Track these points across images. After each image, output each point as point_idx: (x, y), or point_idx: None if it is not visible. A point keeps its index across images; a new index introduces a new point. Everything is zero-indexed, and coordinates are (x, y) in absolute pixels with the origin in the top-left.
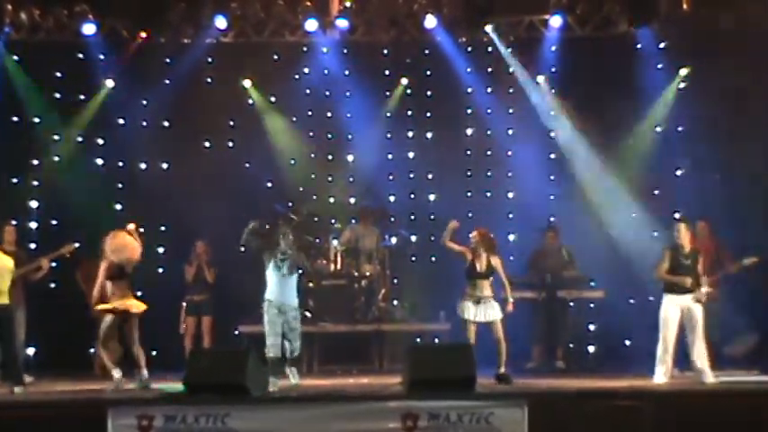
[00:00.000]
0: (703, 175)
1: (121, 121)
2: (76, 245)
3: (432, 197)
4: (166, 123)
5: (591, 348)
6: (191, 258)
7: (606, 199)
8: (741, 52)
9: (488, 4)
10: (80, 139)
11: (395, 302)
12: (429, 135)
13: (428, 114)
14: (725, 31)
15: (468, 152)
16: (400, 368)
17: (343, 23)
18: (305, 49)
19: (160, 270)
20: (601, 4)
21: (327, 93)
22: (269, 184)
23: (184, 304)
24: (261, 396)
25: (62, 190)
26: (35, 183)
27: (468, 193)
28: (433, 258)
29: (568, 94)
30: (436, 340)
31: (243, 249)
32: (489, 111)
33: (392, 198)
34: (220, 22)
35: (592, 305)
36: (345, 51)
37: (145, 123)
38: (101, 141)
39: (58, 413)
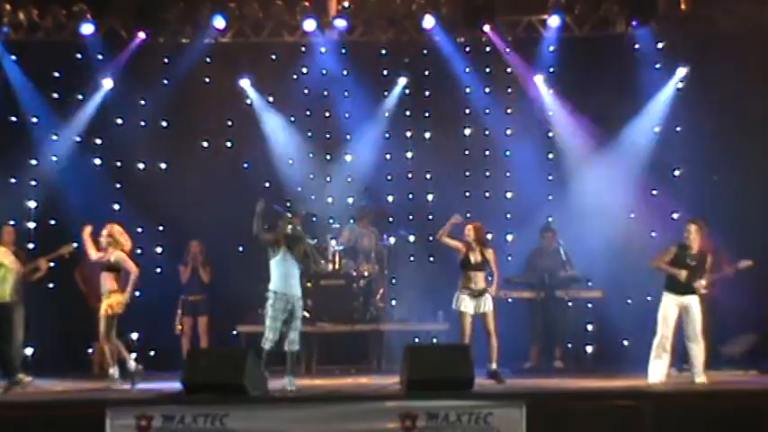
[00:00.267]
0: (701, 176)
1: (120, 121)
2: (75, 245)
3: (430, 197)
4: (165, 123)
5: (589, 348)
6: (185, 259)
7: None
8: (739, 52)
9: (487, 4)
10: (78, 139)
11: (393, 302)
12: (427, 135)
13: (426, 114)
14: (723, 31)
15: (467, 152)
16: (398, 368)
17: (341, 23)
18: (303, 49)
19: (158, 270)
20: (599, 4)
21: (326, 93)
22: (267, 184)
23: (180, 304)
24: (259, 396)
25: (60, 190)
26: (33, 183)
27: (467, 193)
28: (432, 258)
29: (567, 94)
30: (434, 340)
31: (256, 236)
32: (488, 111)
33: (390, 198)
34: (219, 23)
35: (590, 305)
36: (344, 51)
37: (143, 123)
38: (99, 141)
39: (56, 413)
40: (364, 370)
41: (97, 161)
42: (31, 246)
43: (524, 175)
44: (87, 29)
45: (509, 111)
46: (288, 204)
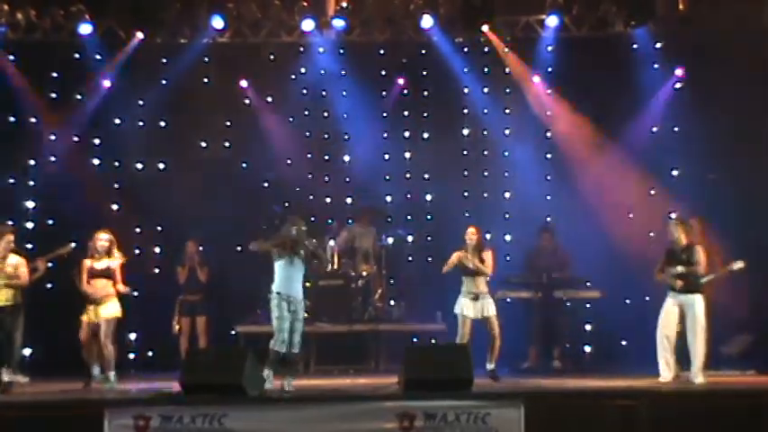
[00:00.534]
0: (699, 176)
1: (118, 121)
2: (73, 245)
3: (428, 197)
4: (163, 123)
5: (587, 348)
6: (182, 259)
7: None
8: (737, 52)
9: (485, 5)
10: (76, 138)
11: (392, 302)
12: (426, 135)
13: (425, 114)
14: (721, 31)
15: (465, 152)
16: (397, 368)
17: (339, 23)
18: (301, 49)
19: (156, 270)
20: (597, 4)
21: (324, 93)
22: (265, 184)
23: (177, 305)
24: (258, 396)
25: (59, 190)
26: (32, 183)
27: (465, 193)
28: (430, 258)
29: (565, 95)
30: (433, 340)
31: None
32: (486, 111)
33: (389, 198)
34: (217, 23)
35: (588, 305)
36: (342, 51)
37: (141, 123)
38: (97, 141)
39: (54, 413)
40: (362, 370)
41: (95, 161)
42: (29, 246)
43: (522, 175)
44: (85, 29)
45: (507, 111)
46: (286, 205)
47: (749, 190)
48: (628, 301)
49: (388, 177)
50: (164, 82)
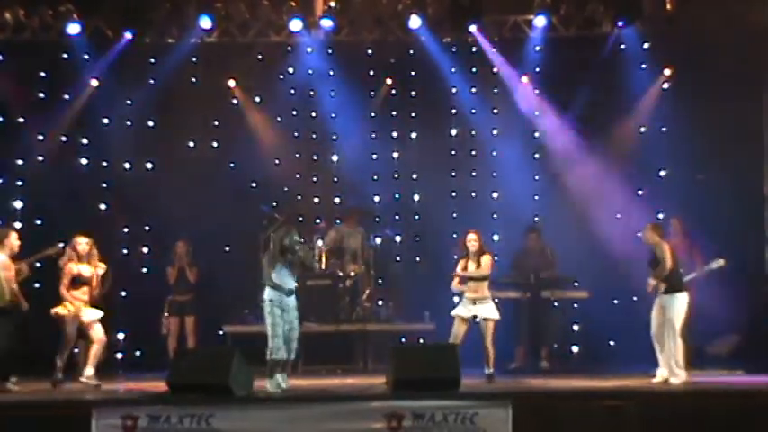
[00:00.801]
0: (687, 176)
1: (106, 121)
2: (61, 245)
3: (416, 197)
4: (151, 123)
5: (575, 348)
6: (172, 260)
7: (590, 199)
8: (725, 52)
9: (473, 5)
10: (64, 138)
11: (380, 302)
12: (413, 135)
13: (413, 114)
14: (709, 30)
15: (453, 152)
16: (385, 368)
17: (327, 23)
18: (289, 48)
19: (144, 270)
20: (585, 4)
21: (312, 93)
22: (253, 185)
23: (166, 305)
24: (245, 396)
25: (46, 190)
26: (19, 183)
27: (453, 194)
28: (418, 258)
29: (553, 94)
30: (421, 340)
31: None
32: (474, 111)
33: (377, 198)
34: (205, 23)
35: (576, 305)
36: (330, 51)
37: (129, 123)
38: (85, 141)
39: (42, 413)
40: (350, 370)
41: (83, 161)
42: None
43: (511, 176)
44: (73, 29)
45: (495, 111)
46: (274, 205)
47: (737, 190)
48: (615, 302)
49: (375, 177)
50: (152, 82)
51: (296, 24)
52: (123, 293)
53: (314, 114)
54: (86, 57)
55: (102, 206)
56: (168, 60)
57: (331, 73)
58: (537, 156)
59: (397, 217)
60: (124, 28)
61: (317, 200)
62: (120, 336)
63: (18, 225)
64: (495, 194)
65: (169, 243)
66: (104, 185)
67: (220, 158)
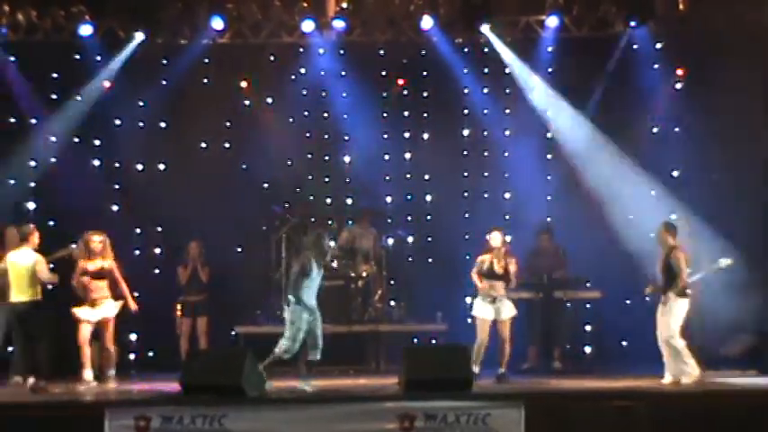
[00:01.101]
0: (699, 176)
1: (118, 122)
2: (74, 247)
3: (428, 198)
4: (163, 124)
5: (587, 349)
6: (184, 260)
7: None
8: (737, 52)
9: (485, 5)
10: (77, 140)
11: (392, 303)
12: (426, 136)
13: (425, 115)
14: (721, 31)
15: (465, 153)
16: (397, 369)
17: (339, 24)
18: (301, 49)
19: (156, 271)
20: (597, 4)
21: (324, 93)
22: (265, 185)
23: (179, 306)
24: (257, 397)
25: (59, 191)
26: (32, 184)
27: (465, 194)
28: (430, 259)
29: (565, 95)
30: (433, 341)
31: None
32: (486, 111)
33: (389, 199)
34: (217, 23)
35: (588, 306)
36: (342, 52)
37: (142, 124)
38: (97, 142)
39: (55, 414)
40: (363, 371)
41: (96, 162)
42: None
43: (523, 176)
44: (86, 30)
45: (507, 111)
46: (286, 205)
47: (750, 190)
48: (628, 302)
49: (388, 178)
50: (164, 82)
51: (308, 25)
52: (136, 294)
53: (326, 115)
54: (98, 58)
55: (115, 207)
56: (180, 61)
57: (343, 73)
58: (549, 156)
59: (409, 217)
60: (136, 29)
61: (329, 200)
62: (133, 336)
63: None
64: (507, 195)
65: (181, 244)
66: (117, 186)
67: (232, 159)
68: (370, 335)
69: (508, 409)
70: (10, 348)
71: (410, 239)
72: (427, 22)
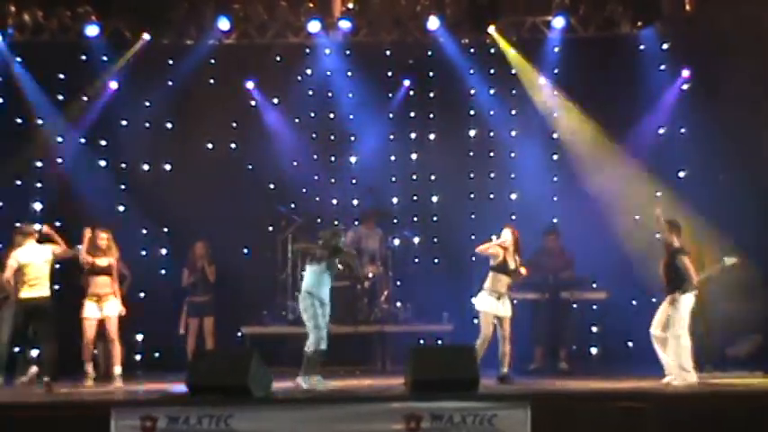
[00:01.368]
0: (706, 177)
1: (124, 123)
2: (80, 247)
3: (434, 199)
4: (169, 125)
5: (594, 350)
6: (189, 262)
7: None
8: (744, 53)
9: (491, 6)
10: (83, 140)
11: (398, 304)
12: (432, 136)
13: (431, 116)
14: (727, 31)
15: (471, 153)
16: (403, 369)
17: (345, 25)
18: (308, 50)
19: (162, 271)
20: (604, 4)
21: (330, 94)
22: (271, 186)
23: (185, 307)
24: (264, 397)
25: (66, 192)
26: (39, 184)
27: (471, 195)
28: (436, 260)
29: (571, 95)
30: (439, 341)
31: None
32: (492, 112)
33: (395, 199)
34: (223, 24)
35: (595, 306)
36: (348, 53)
37: (148, 125)
38: (104, 142)
39: (61, 413)
40: (369, 371)
41: (102, 162)
42: None
43: (529, 177)
44: (92, 30)
45: (513, 112)
46: (292, 206)
47: (757, 190)
48: (634, 303)
49: (394, 178)
50: (170, 83)
51: (314, 26)
52: (142, 294)
53: (332, 115)
54: (105, 58)
55: (121, 207)
56: (186, 62)
57: (349, 74)
58: (555, 157)
59: (415, 218)
60: (142, 29)
61: (335, 201)
62: (139, 337)
63: (37, 227)
64: (513, 196)
65: (187, 244)
66: (123, 187)
67: (238, 159)
68: (376, 335)
69: (514, 410)
70: (17, 349)
71: (416, 240)
72: (433, 23)
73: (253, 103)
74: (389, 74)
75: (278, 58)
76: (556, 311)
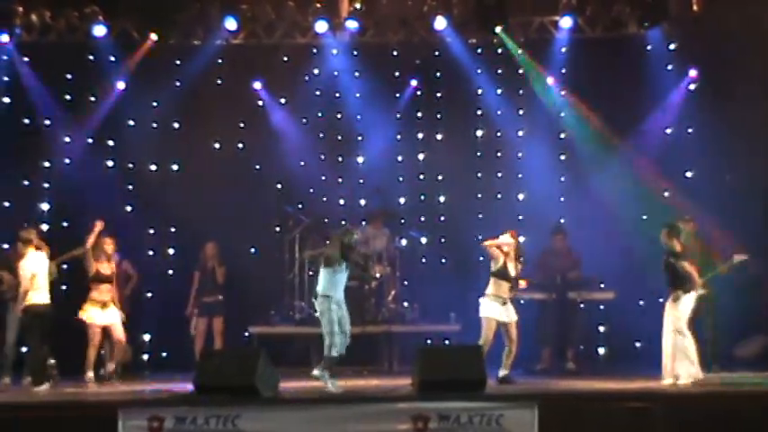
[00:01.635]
0: (713, 177)
1: (132, 123)
2: (88, 247)
3: (442, 199)
4: (176, 125)
5: (601, 350)
6: (199, 263)
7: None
8: (751, 53)
9: (498, 6)
10: (90, 140)
11: (405, 304)
12: (439, 136)
13: (438, 116)
14: (735, 32)
15: (479, 153)
16: (410, 369)
17: (353, 25)
18: (315, 50)
19: (170, 272)
20: (611, 5)
21: (337, 94)
22: (279, 186)
23: (196, 309)
24: (271, 397)
25: (73, 192)
26: (46, 185)
27: (479, 195)
28: (444, 260)
29: (579, 96)
30: (446, 341)
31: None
32: (499, 112)
33: (402, 200)
34: (230, 24)
35: (602, 306)
36: (355, 53)
37: (155, 125)
38: (111, 143)
39: (68, 414)
40: (376, 371)
41: (109, 163)
42: None
43: (536, 177)
44: (99, 31)
45: (521, 112)
46: (299, 206)
47: (764, 190)
48: (641, 303)
49: (401, 179)
50: (177, 83)
51: (321, 26)
52: (149, 294)
53: (339, 115)
54: (112, 59)
55: (128, 207)
56: (194, 62)
57: (356, 74)
58: (563, 157)
59: (422, 218)
60: (150, 29)
61: (342, 201)
62: (147, 337)
63: (45, 227)
64: (520, 196)
65: (195, 244)
66: (130, 187)
67: (246, 160)
68: (383, 335)
69: (521, 410)
70: (24, 348)
71: (423, 240)
72: (441, 23)
73: (260, 103)
74: (396, 74)
75: (285, 59)
76: (563, 312)
